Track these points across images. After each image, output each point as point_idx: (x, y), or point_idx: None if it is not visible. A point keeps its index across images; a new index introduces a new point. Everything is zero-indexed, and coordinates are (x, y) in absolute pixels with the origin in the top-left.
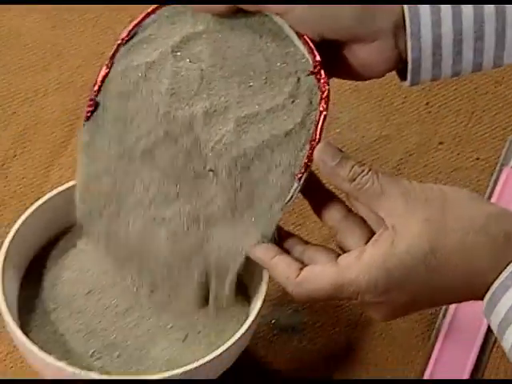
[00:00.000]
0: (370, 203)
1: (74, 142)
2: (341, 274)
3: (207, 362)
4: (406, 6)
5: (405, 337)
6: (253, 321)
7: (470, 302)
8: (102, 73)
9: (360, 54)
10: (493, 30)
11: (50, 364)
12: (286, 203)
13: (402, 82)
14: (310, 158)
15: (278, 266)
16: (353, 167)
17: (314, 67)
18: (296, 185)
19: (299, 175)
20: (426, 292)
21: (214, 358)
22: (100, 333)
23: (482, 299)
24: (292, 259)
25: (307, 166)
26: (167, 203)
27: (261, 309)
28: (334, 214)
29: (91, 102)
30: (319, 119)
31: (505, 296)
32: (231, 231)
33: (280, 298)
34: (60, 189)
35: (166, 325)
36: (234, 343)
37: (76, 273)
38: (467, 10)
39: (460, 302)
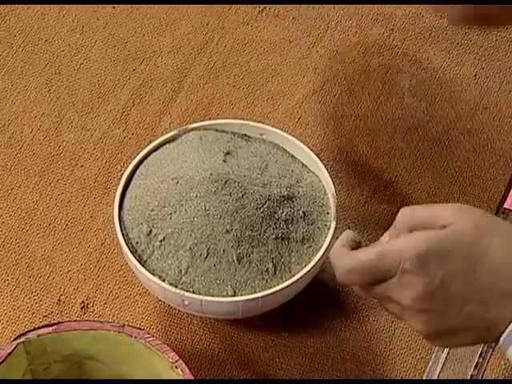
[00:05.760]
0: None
1: (182, 95)
2: (386, 245)
3: (294, 282)
4: None
5: None
6: (329, 244)
7: None
8: None
9: None
10: None
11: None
12: None
13: None
14: None
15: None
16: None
17: None
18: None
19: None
20: (462, 281)
21: (308, 271)
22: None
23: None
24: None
25: None
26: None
27: (334, 232)
28: None
29: None
30: None
31: None
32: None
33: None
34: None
35: (250, 258)
36: (311, 268)
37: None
38: None
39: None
